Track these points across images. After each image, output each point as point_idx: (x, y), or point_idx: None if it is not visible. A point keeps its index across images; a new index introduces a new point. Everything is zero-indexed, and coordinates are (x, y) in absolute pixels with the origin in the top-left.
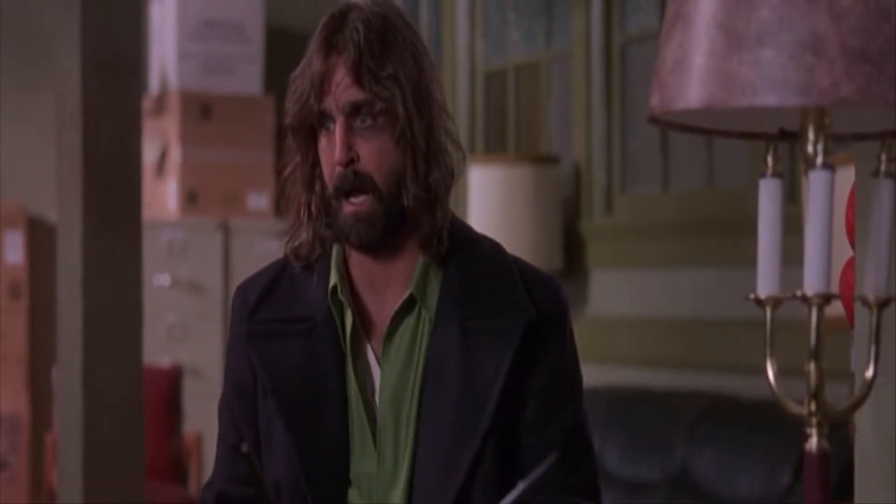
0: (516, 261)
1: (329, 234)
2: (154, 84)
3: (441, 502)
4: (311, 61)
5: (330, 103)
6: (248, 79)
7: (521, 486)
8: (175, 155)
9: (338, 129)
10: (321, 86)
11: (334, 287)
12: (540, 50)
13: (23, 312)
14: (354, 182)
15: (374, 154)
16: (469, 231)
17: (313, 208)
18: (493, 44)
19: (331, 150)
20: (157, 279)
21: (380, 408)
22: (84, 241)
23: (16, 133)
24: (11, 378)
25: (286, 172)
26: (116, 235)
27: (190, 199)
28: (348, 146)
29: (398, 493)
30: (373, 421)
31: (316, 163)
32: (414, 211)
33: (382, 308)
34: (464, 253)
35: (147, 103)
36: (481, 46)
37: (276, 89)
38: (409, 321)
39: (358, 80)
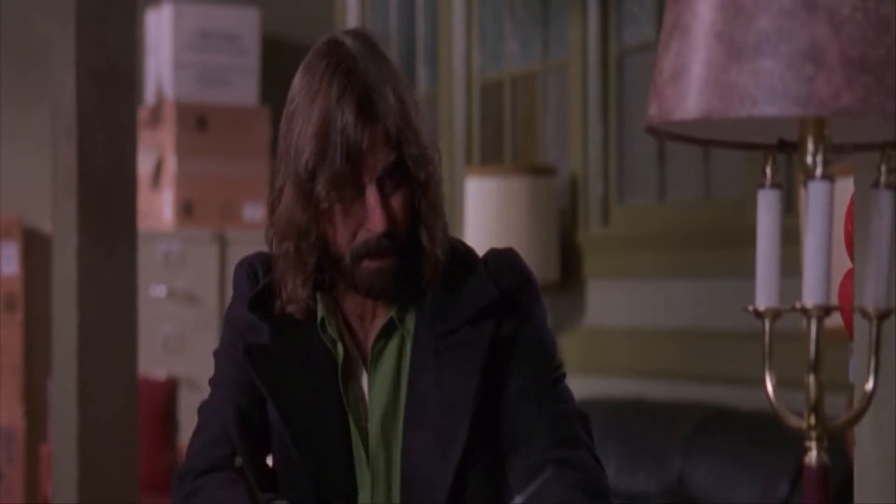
0: (485, 256)
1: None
2: (150, 95)
3: None
4: (343, 130)
5: (363, 172)
6: (243, 90)
7: (517, 501)
8: (171, 166)
9: (373, 197)
10: (359, 158)
11: (322, 321)
12: (536, 61)
13: (18, 324)
14: (384, 246)
15: (402, 213)
16: (451, 246)
17: (308, 259)
18: (490, 55)
19: (352, 217)
20: (152, 290)
21: (370, 434)
22: (79, 252)
23: (11, 145)
24: (6, 390)
25: (284, 248)
26: (112, 247)
27: (186, 210)
28: (387, 212)
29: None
30: (367, 443)
31: (324, 229)
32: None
33: (370, 336)
34: (444, 271)
35: (143, 114)
36: (478, 57)
37: (272, 100)
38: (393, 345)
39: (395, 145)
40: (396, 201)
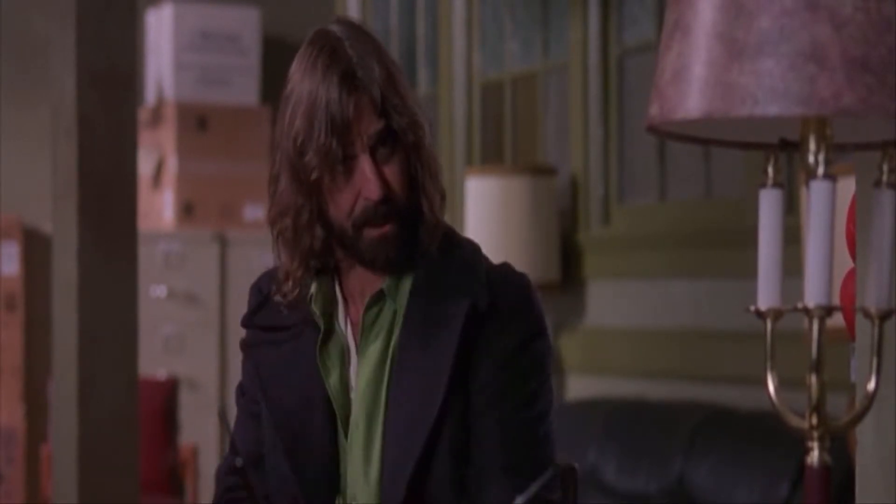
0: (490, 262)
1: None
2: (150, 96)
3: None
4: (327, 102)
5: (353, 141)
6: (244, 90)
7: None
8: (171, 166)
9: (367, 165)
10: (345, 126)
11: (311, 297)
12: (537, 61)
13: (18, 324)
14: (383, 213)
15: (398, 180)
16: (451, 233)
17: (316, 249)
18: (490, 55)
19: (349, 188)
20: (153, 291)
21: (354, 403)
22: (79, 252)
23: (11, 146)
24: (7, 390)
25: (280, 227)
26: (112, 247)
27: (186, 210)
28: (381, 179)
29: (370, 486)
30: (348, 414)
31: (319, 204)
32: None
33: (361, 304)
34: (440, 251)
35: (143, 115)
36: (478, 58)
37: (273, 101)
38: (385, 317)
39: (381, 113)
40: (391, 168)
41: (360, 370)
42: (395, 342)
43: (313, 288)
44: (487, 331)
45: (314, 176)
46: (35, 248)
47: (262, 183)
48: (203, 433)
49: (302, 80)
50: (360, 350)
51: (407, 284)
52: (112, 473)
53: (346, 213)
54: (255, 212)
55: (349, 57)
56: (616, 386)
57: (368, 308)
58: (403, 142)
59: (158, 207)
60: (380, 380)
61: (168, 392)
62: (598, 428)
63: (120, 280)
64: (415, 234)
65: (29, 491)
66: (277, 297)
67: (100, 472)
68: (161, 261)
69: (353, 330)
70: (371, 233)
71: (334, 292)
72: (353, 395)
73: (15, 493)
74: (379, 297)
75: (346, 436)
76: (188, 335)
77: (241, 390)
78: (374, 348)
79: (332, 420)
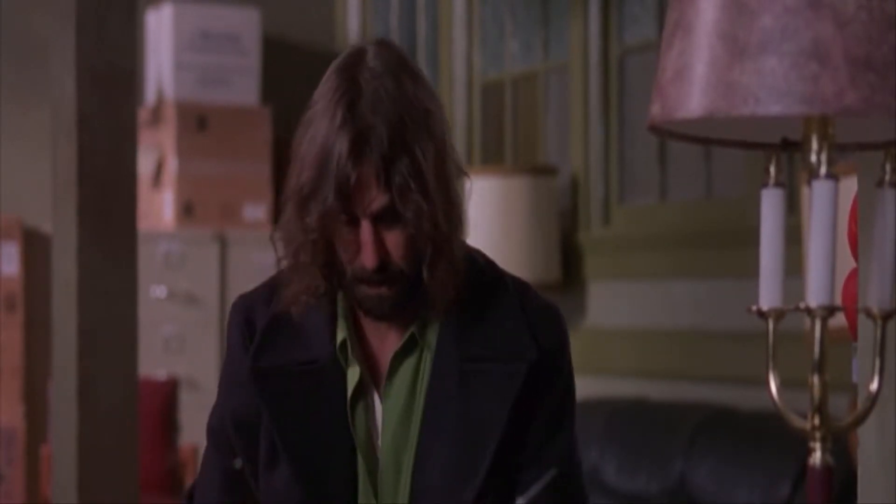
0: (517, 287)
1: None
2: (150, 95)
3: None
4: (336, 163)
5: (356, 207)
6: (244, 90)
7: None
8: (171, 166)
9: (366, 234)
10: (350, 193)
11: (343, 342)
12: (537, 61)
13: (18, 325)
14: (379, 279)
15: (400, 248)
16: (491, 268)
17: (307, 270)
18: (491, 55)
19: (353, 242)
20: (153, 291)
21: (381, 451)
22: (79, 252)
23: (11, 146)
24: (7, 391)
25: (286, 253)
26: (112, 247)
27: (186, 210)
28: (379, 249)
29: None
30: (375, 466)
31: (324, 239)
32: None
33: (387, 351)
34: (480, 292)
35: (143, 114)
36: (479, 58)
37: (273, 101)
38: (411, 361)
39: (386, 186)
40: (393, 236)
41: (386, 416)
42: (425, 390)
43: (342, 332)
44: (536, 381)
45: (313, 237)
46: (35, 248)
47: (263, 183)
48: (203, 434)
49: (322, 117)
50: (385, 393)
51: (436, 325)
52: (112, 474)
53: (348, 262)
54: (255, 212)
55: (365, 117)
56: (616, 386)
57: (400, 355)
58: (410, 216)
59: (158, 207)
60: (407, 427)
61: (168, 392)
62: (599, 428)
63: (120, 280)
64: (419, 292)
65: (29, 491)
66: (294, 309)
67: (99, 473)
68: (161, 261)
69: (370, 371)
70: (367, 290)
71: (346, 328)
72: (379, 443)
73: (15, 493)
74: (412, 343)
75: (372, 488)
76: (188, 335)
77: (222, 426)
78: (400, 391)
79: (353, 464)
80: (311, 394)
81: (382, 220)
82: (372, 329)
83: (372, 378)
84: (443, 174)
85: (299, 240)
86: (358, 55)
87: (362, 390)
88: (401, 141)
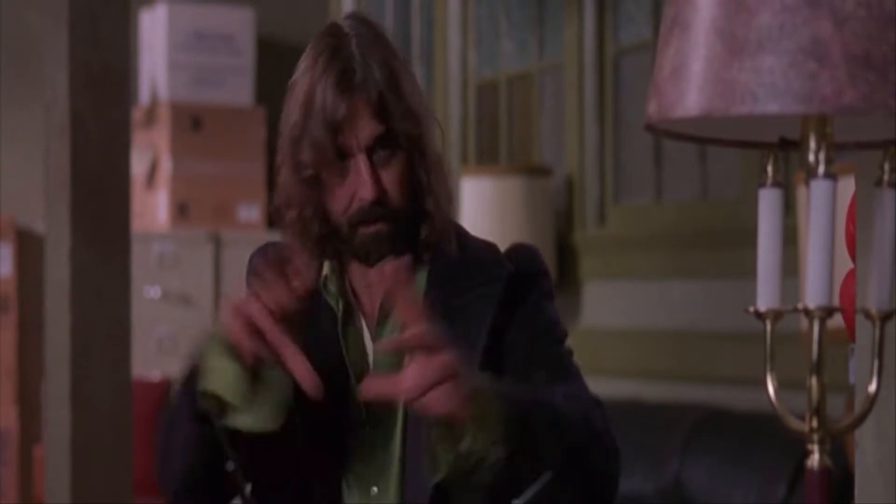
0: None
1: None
2: (144, 95)
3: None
4: (322, 101)
5: (349, 141)
6: (238, 90)
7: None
8: (165, 166)
9: (363, 166)
10: (339, 126)
11: (325, 277)
12: (532, 61)
13: (11, 325)
14: (377, 213)
15: (396, 182)
16: (465, 233)
17: (325, 237)
18: (486, 55)
19: (346, 186)
20: (147, 292)
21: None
22: (72, 253)
23: (5, 146)
24: (1, 392)
25: (287, 218)
26: (105, 248)
27: (180, 210)
28: (377, 182)
29: (392, 476)
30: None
31: (320, 196)
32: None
33: (374, 298)
34: (458, 248)
35: (137, 115)
36: (473, 58)
37: (267, 101)
38: None
39: (379, 116)
40: (389, 170)
41: (378, 358)
42: None
43: (326, 269)
44: (508, 300)
45: (307, 173)
46: (29, 248)
47: (257, 183)
48: None
49: (304, 74)
50: (376, 336)
51: (422, 279)
52: (105, 475)
53: (342, 210)
54: (250, 212)
55: (351, 56)
56: (612, 386)
57: (384, 303)
58: (404, 146)
59: (152, 208)
60: (397, 367)
61: (162, 393)
62: None
63: (113, 280)
64: (414, 232)
65: (22, 492)
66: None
67: (93, 474)
68: (155, 261)
69: (365, 320)
70: (365, 231)
71: (342, 280)
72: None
73: (8, 493)
74: None
75: (364, 408)
76: (182, 336)
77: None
78: (393, 326)
79: (348, 399)
80: (309, 326)
81: (378, 152)
82: (362, 287)
83: (364, 321)
84: (428, 113)
85: (298, 194)
86: (333, 24)
87: (353, 330)
88: (389, 72)
